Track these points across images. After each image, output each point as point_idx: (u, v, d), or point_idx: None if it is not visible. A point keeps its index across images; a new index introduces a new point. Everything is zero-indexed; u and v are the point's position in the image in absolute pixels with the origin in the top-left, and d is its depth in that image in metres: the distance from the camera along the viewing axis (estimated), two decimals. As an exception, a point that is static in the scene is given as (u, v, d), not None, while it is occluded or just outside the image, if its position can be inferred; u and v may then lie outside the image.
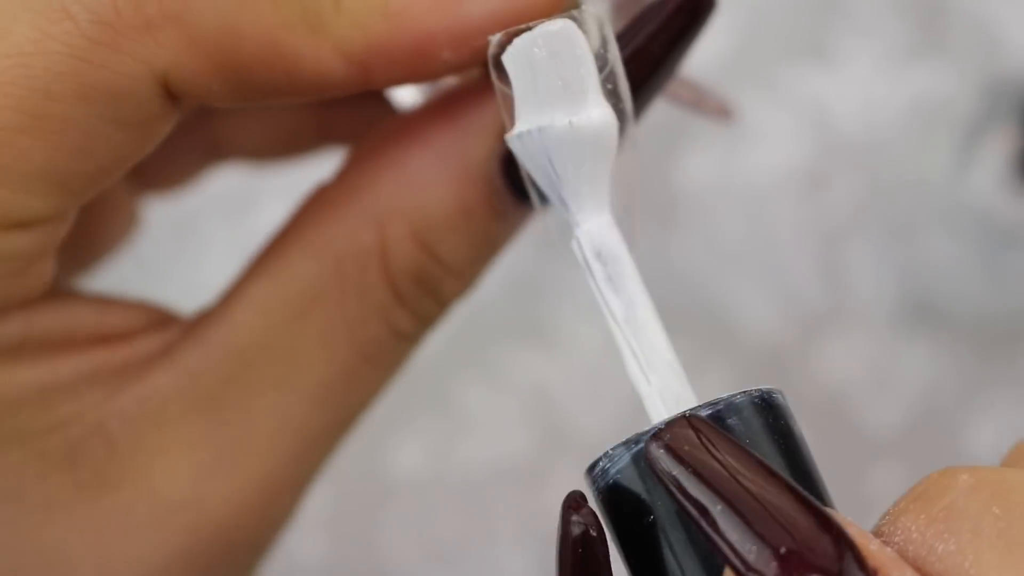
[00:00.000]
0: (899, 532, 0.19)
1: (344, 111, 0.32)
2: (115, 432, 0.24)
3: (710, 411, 0.20)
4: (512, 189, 0.24)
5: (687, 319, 0.52)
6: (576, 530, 0.20)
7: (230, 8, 0.22)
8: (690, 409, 0.20)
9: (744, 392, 0.20)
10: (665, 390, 0.21)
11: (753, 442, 0.20)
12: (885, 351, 0.52)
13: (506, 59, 0.22)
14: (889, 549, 0.18)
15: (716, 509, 0.18)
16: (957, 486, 0.19)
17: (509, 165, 0.24)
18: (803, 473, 0.20)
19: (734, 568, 0.18)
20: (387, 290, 0.24)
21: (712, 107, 0.32)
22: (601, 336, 0.53)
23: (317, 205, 0.25)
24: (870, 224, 0.52)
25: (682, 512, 0.18)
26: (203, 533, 0.24)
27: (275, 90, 0.23)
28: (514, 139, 0.22)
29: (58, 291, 0.25)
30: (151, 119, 0.23)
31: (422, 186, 0.24)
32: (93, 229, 0.31)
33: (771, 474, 0.18)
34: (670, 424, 0.19)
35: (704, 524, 0.18)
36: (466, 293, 0.26)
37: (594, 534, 0.20)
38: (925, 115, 0.53)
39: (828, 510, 0.18)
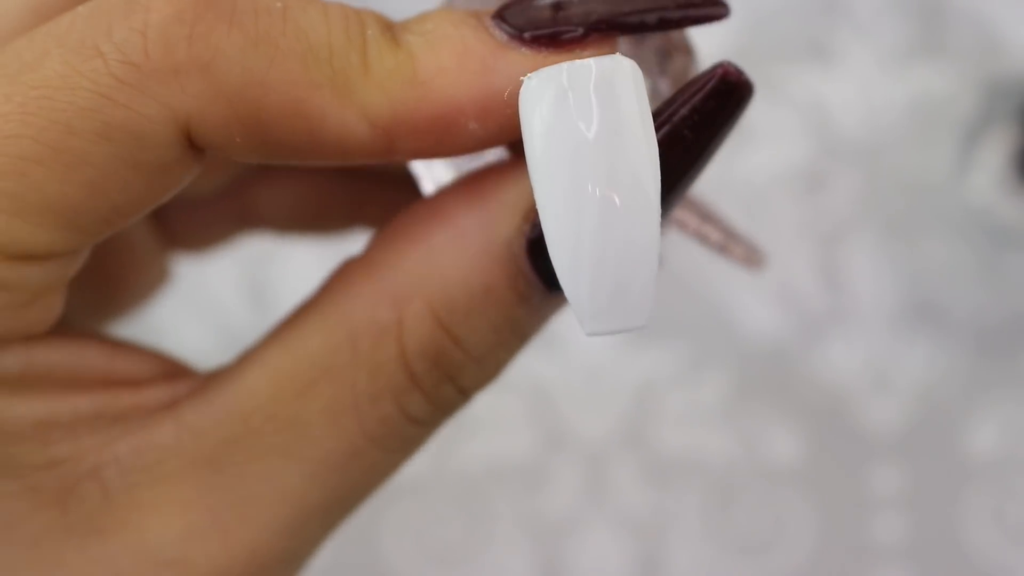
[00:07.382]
0: None
1: (374, 191, 0.31)
2: (110, 480, 0.24)
3: None
4: (540, 275, 0.23)
5: (687, 319, 0.52)
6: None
7: (259, 62, 0.21)
8: None
9: None
10: None
11: None
12: (885, 351, 0.52)
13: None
14: None
15: None
16: None
17: (537, 249, 0.23)
18: None
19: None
20: (401, 371, 0.24)
21: (739, 253, 0.29)
22: (600, 336, 0.53)
23: (340, 278, 0.24)
24: (870, 224, 0.52)
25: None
26: None
27: (298, 149, 0.22)
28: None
29: (70, 330, 0.25)
30: (169, 165, 0.22)
31: (444, 264, 0.23)
32: (123, 281, 0.31)
33: None
34: None
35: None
36: (489, 382, 0.25)
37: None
38: (925, 115, 0.53)
39: None
